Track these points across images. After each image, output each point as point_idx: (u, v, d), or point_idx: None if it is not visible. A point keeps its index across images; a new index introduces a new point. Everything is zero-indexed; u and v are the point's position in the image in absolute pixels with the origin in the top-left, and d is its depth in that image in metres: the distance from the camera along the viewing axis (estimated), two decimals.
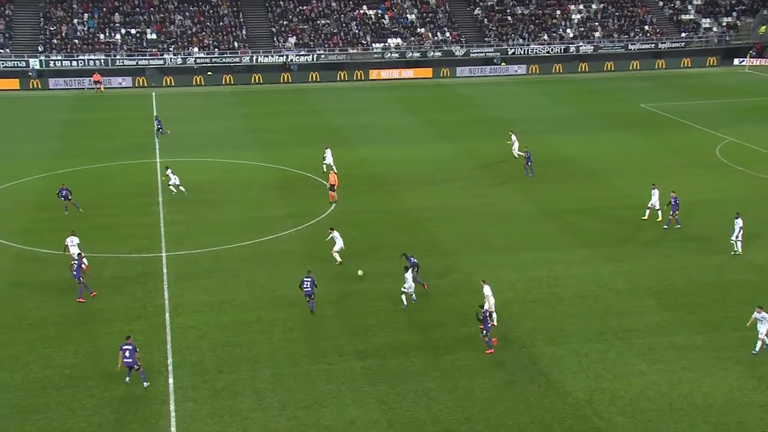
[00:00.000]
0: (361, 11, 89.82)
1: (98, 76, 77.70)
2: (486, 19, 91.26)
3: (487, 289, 30.52)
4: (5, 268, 35.63)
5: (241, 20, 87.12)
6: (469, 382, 27.07)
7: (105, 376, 27.15)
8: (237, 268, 35.71)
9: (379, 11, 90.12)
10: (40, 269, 35.59)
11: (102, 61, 79.49)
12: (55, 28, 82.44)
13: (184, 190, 45.23)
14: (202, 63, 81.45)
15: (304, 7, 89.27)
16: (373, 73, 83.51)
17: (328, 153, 49.72)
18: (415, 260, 33.63)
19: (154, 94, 75.52)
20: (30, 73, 77.52)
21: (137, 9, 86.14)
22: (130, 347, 26.64)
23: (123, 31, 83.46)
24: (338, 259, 36.13)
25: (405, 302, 31.92)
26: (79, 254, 33.67)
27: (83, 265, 32.99)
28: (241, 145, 56.57)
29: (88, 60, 79.26)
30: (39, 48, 79.84)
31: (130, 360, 26.49)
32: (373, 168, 51.20)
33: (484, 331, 28.51)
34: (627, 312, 31.87)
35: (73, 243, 35.40)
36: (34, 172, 49.43)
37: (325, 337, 29.89)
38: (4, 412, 25.26)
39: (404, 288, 31.92)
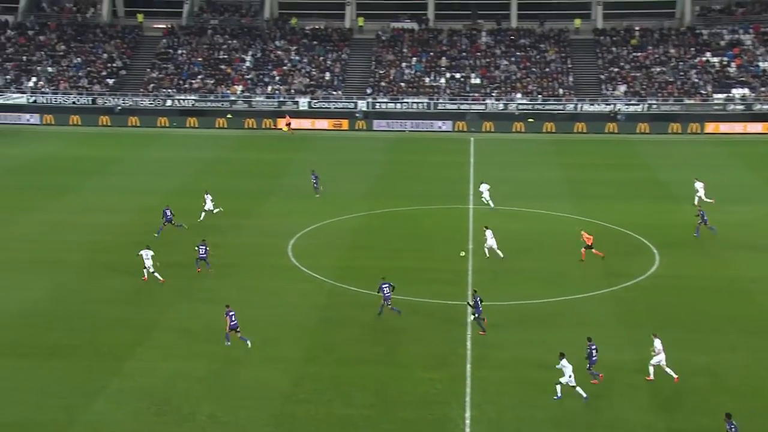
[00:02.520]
0: (704, 58, 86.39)
1: (288, 118, 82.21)
2: None
3: (657, 343, 30.51)
4: (319, 303, 38.66)
5: (569, 66, 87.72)
6: None
7: (402, 422, 28.33)
8: (542, 324, 35.70)
9: (725, 58, 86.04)
10: (350, 307, 38.14)
11: (425, 104, 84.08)
12: (384, 71, 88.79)
13: (217, 210, 50.02)
14: (524, 109, 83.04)
15: (639, 54, 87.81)
16: (710, 126, 79.65)
17: (484, 188, 52.71)
18: (480, 299, 34.51)
19: (472, 139, 78.26)
20: (357, 114, 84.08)
21: (464, 54, 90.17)
22: (233, 312, 33.49)
23: (448, 75, 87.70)
24: (500, 254, 43.33)
25: (559, 393, 29.41)
26: (203, 240, 42.19)
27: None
28: (557, 196, 56.69)
29: (411, 103, 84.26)
30: (367, 90, 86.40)
31: (236, 323, 33.32)
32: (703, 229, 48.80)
33: (589, 365, 30.28)
34: None
35: (147, 256, 40.25)
36: (351, 210, 53.24)
37: (630, 408, 28.87)
38: None
39: (562, 379, 29.38)
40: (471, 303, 34.97)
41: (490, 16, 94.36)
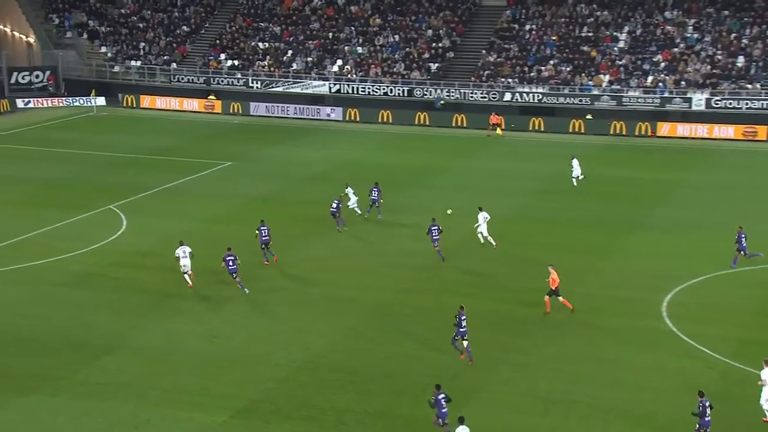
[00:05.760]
0: None
1: (495, 117, 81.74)
2: None
3: (766, 373, 32.63)
4: (708, 389, 36.68)
5: None
6: None
7: None
8: None
9: None
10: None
11: None
12: None
13: (379, 215, 58.06)
14: None
15: None
16: None
17: (575, 163, 61.21)
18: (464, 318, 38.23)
19: None
20: None
21: None
22: (232, 257, 45.59)
23: None
24: (493, 242, 51.78)
25: None
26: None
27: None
28: None
29: None
30: None
31: (234, 267, 45.51)
32: None
33: (698, 426, 32.34)
34: None
35: (185, 254, 46.50)
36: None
37: None
38: None
39: None
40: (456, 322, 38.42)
41: None
